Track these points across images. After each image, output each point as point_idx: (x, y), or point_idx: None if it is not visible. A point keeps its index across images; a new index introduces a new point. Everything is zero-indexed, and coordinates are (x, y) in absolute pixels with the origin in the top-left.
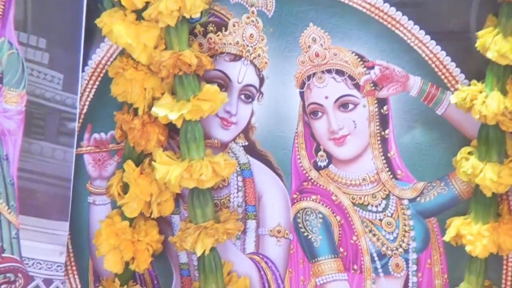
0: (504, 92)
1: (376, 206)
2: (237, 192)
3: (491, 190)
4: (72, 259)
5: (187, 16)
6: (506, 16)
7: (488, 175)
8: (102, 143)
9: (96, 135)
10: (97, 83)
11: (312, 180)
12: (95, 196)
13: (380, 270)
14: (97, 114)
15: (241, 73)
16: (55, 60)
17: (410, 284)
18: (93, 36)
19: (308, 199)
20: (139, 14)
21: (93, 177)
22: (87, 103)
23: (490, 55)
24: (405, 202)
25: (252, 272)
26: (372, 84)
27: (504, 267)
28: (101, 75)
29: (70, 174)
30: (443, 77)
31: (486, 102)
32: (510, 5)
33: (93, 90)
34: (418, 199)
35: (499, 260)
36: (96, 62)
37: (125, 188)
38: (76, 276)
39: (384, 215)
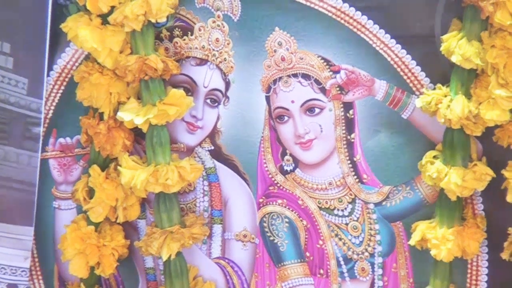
0: (469, 96)
1: (342, 210)
2: (203, 197)
3: (455, 194)
4: (37, 264)
5: (153, 21)
6: (470, 20)
7: (453, 179)
8: (67, 148)
9: (61, 140)
10: (62, 87)
11: (278, 184)
12: (60, 201)
13: (346, 274)
14: (63, 119)
15: (207, 78)
16: (19, 64)
17: None
18: (58, 40)
19: (274, 203)
20: (104, 19)
21: (59, 182)
22: (52, 107)
23: (454, 59)
24: (371, 206)
25: (218, 277)
26: (338, 88)
27: (469, 271)
28: (67, 79)
29: (35, 179)
30: (408, 81)
31: (451, 106)
32: (474, 9)
33: (58, 95)
34: (384, 203)
35: (464, 264)
36: (62, 67)
37: (91, 193)
38: (41, 281)
39: (350, 219)
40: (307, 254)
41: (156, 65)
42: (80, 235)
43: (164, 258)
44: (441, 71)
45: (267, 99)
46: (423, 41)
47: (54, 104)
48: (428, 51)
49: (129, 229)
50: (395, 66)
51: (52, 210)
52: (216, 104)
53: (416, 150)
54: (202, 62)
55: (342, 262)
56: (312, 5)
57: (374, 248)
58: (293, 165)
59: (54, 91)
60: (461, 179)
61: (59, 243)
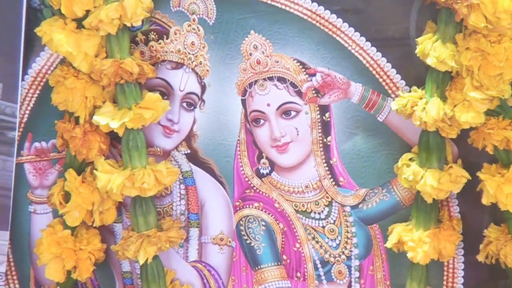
0: (444, 99)
1: (319, 213)
2: (180, 200)
3: (431, 196)
4: (13, 268)
5: (128, 24)
6: (444, 22)
7: (429, 182)
8: (43, 152)
9: (36, 144)
10: (37, 92)
11: (255, 188)
12: (36, 205)
13: (323, 277)
14: (38, 123)
15: (182, 81)
16: None
17: None
18: (33, 45)
19: (250, 206)
20: (79, 23)
21: (34, 186)
22: (27, 112)
23: (429, 61)
24: (348, 209)
25: (195, 280)
26: (314, 91)
27: (445, 273)
28: (42, 84)
29: (10, 183)
30: (384, 83)
31: (426, 108)
32: (448, 11)
33: (34, 99)
34: (360, 206)
35: (440, 266)
36: (36, 71)
37: (67, 197)
38: (17, 286)
39: (327, 222)
40: (284, 257)
41: (131, 69)
42: (56, 239)
43: (141, 262)
44: (416, 74)
45: (243, 102)
46: (398, 44)
47: (29, 108)
48: (403, 53)
49: (106, 233)
50: (371, 68)
51: (27, 215)
52: (192, 107)
53: (392, 153)
54: (178, 65)
55: (319, 265)
56: (288, 8)
57: (350, 251)
58: (269, 168)
59: (29, 95)
60: (436, 182)
61: (35, 247)
